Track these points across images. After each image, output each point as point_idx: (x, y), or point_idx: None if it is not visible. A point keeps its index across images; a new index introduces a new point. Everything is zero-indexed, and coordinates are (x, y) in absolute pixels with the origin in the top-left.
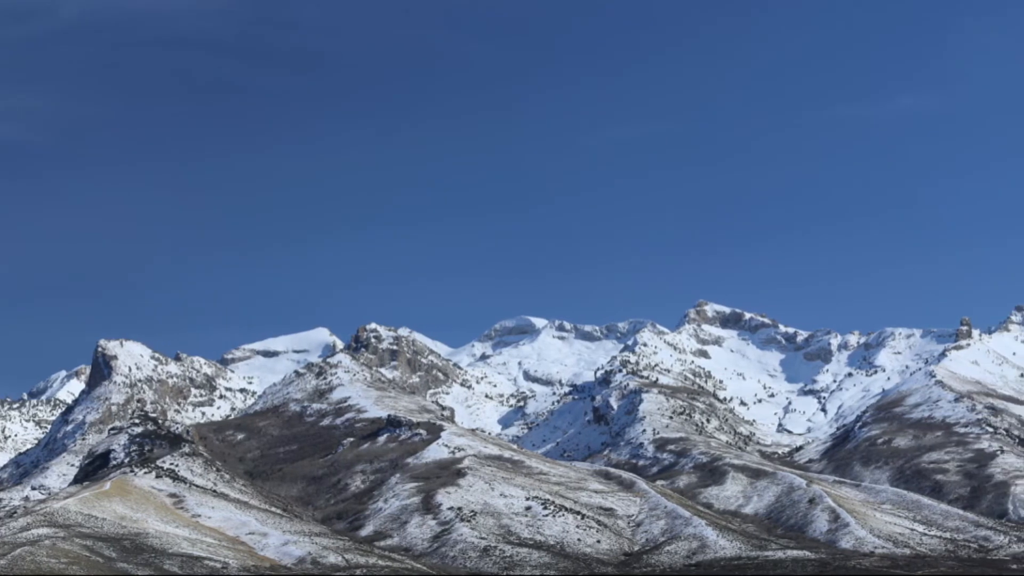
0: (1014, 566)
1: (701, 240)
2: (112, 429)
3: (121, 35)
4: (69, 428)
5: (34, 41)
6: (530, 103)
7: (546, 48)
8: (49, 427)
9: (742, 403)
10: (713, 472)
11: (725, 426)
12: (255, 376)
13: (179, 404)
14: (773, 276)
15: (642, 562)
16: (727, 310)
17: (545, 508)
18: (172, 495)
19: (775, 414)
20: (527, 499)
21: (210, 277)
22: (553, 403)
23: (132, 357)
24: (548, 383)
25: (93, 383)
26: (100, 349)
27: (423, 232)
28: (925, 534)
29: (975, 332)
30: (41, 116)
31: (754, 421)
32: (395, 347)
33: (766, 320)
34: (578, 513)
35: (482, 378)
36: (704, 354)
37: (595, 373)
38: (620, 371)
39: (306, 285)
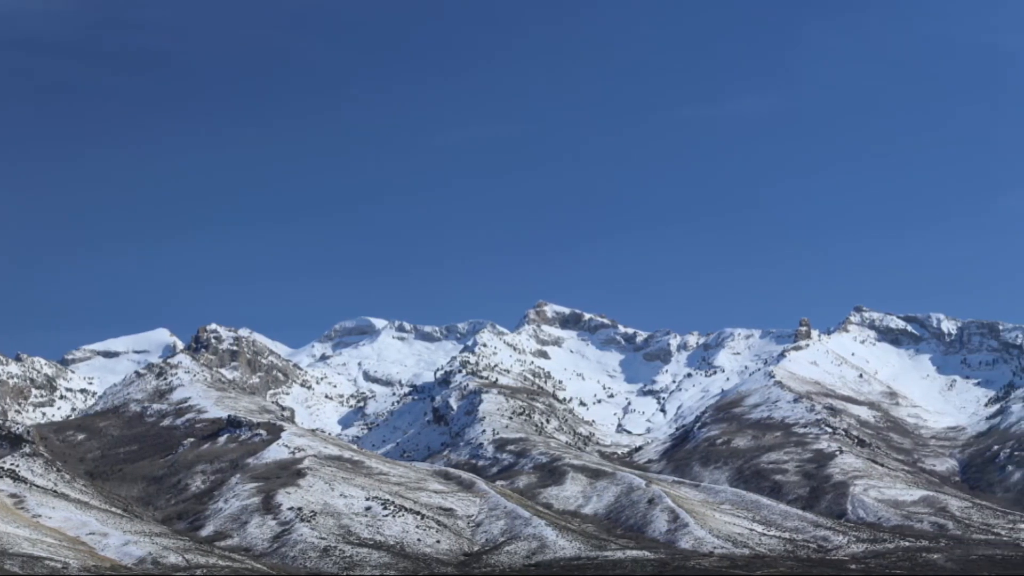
0: (853, 566)
1: (541, 240)
2: None
3: None
4: None
5: None
6: (371, 104)
7: (388, 49)
8: None
9: (582, 403)
10: (553, 472)
11: (565, 426)
12: (96, 376)
13: (19, 404)
14: (613, 277)
15: (482, 562)
16: (567, 311)
17: (385, 508)
18: (12, 495)
19: (615, 414)
20: (367, 499)
21: (50, 277)
22: (393, 404)
23: None
24: (388, 384)
25: None
26: None
27: (263, 233)
28: (764, 534)
29: (814, 333)
30: None
31: (594, 421)
32: (235, 348)
33: (605, 321)
34: (418, 513)
35: (322, 379)
36: (544, 355)
37: (435, 374)
38: (460, 372)
39: (146, 285)
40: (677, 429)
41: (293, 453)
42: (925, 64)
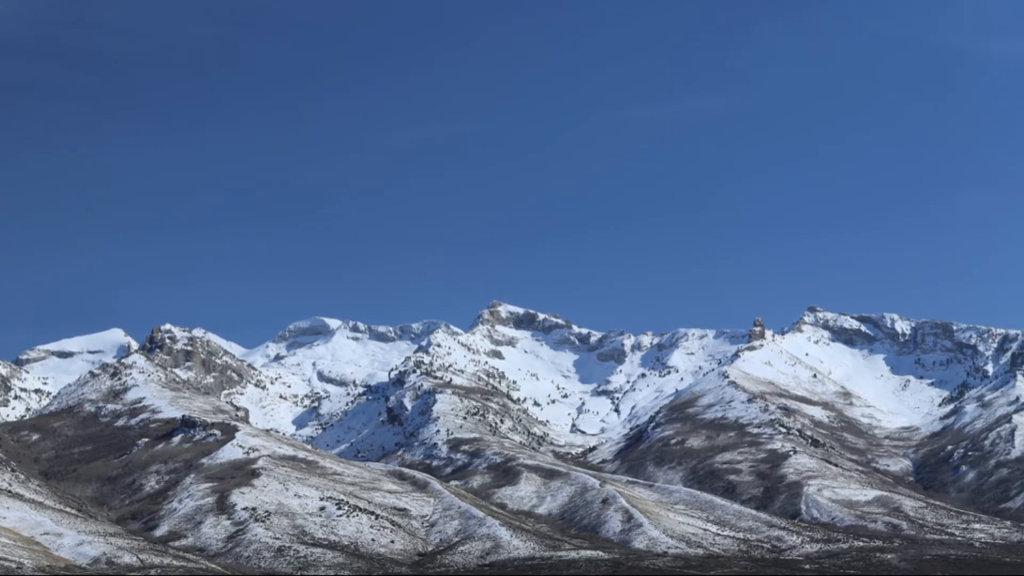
0: (807, 566)
1: (495, 241)
2: None
3: None
4: None
5: None
6: (324, 103)
7: (340, 48)
8: None
9: (536, 404)
10: (507, 472)
11: (519, 426)
12: (50, 377)
13: None
14: (567, 277)
15: (436, 562)
16: (521, 311)
17: (339, 508)
18: None
19: (569, 415)
20: (321, 499)
21: (4, 277)
22: (347, 404)
23: None
24: (342, 384)
25: None
26: None
27: (217, 232)
28: (718, 534)
29: (768, 333)
30: None
31: (548, 422)
32: (189, 348)
33: (559, 321)
34: (372, 513)
35: (276, 379)
36: (498, 355)
37: (389, 374)
38: (414, 372)
39: (100, 286)
40: (631, 429)
41: (247, 453)
42: (876, 63)
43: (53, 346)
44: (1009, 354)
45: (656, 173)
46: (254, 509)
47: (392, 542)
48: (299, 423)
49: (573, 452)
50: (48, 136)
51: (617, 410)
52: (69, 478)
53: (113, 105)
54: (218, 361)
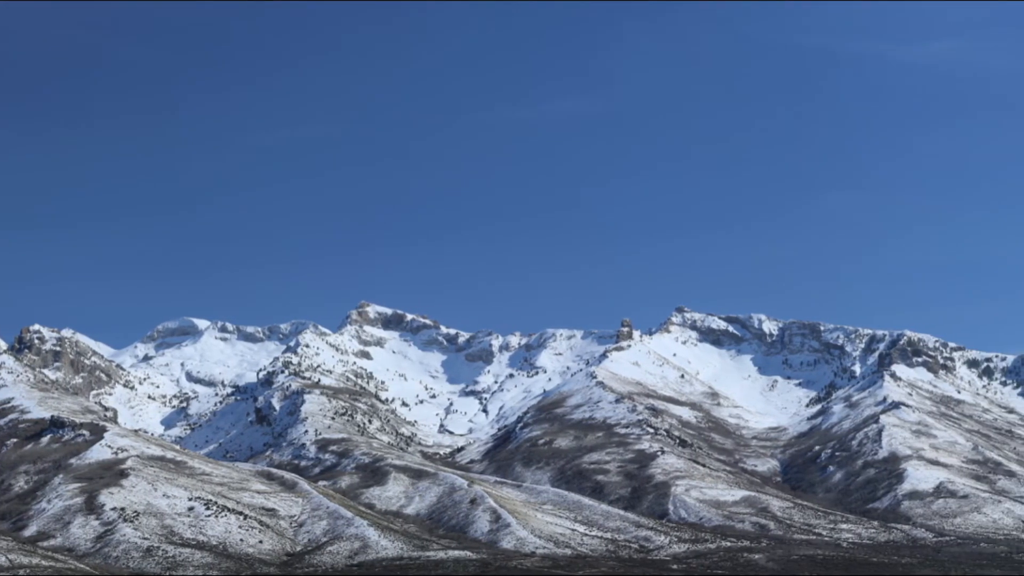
0: (674, 566)
1: (363, 241)
2: None
3: None
4: None
5: None
6: (193, 103)
7: (207, 49)
8: None
9: (404, 404)
10: (375, 473)
11: (387, 427)
12: None
13: None
14: (434, 277)
15: (304, 562)
16: (389, 311)
17: (208, 508)
18: None
19: (437, 415)
20: (190, 499)
21: None
22: (216, 404)
23: None
24: (211, 384)
25: None
26: None
27: (86, 233)
28: (586, 534)
29: (636, 333)
30: None
31: (416, 422)
32: (58, 348)
33: (428, 321)
34: (241, 514)
35: (145, 379)
36: (366, 355)
37: (257, 374)
38: (282, 372)
39: None
40: (499, 429)
41: (116, 453)
42: (741, 65)
43: None
44: (876, 354)
45: (523, 174)
46: (123, 509)
47: (260, 542)
48: (168, 423)
49: (441, 452)
50: None
51: (485, 410)
52: None
53: None
54: (87, 361)
